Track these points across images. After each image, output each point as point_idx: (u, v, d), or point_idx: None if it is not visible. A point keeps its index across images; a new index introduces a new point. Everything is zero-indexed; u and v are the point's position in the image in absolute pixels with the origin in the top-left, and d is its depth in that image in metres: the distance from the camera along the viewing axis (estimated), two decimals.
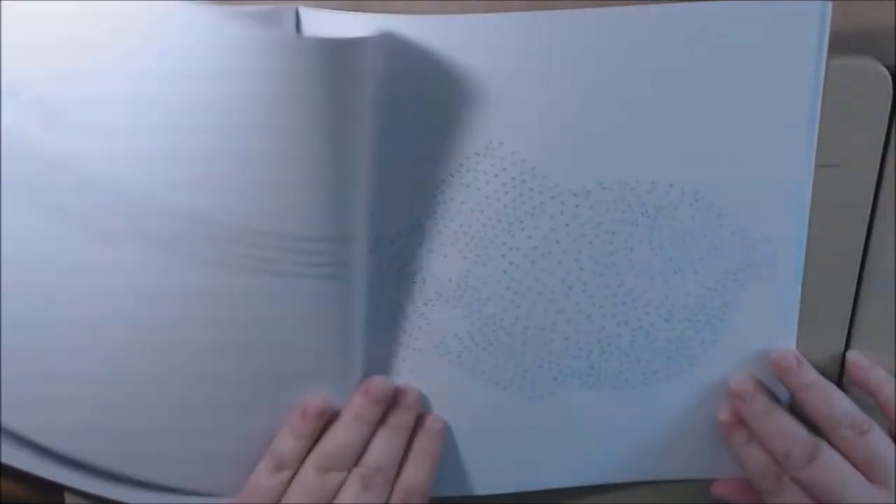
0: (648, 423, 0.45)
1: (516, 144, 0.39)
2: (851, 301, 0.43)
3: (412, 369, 0.43)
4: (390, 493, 0.42)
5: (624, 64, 0.38)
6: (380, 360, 0.43)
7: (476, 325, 0.42)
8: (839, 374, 0.44)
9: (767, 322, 0.42)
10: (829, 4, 0.37)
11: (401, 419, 0.42)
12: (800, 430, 0.42)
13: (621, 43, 0.38)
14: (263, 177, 0.37)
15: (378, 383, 0.41)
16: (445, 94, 0.39)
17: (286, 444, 0.41)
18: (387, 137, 0.39)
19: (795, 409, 0.43)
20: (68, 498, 0.47)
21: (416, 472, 0.42)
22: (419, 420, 0.43)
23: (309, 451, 0.41)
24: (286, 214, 0.37)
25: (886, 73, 0.39)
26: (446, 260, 0.41)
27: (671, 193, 0.40)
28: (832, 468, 0.41)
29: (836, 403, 0.41)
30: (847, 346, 0.44)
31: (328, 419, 0.42)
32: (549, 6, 0.38)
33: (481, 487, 0.46)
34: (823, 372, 0.43)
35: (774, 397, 0.43)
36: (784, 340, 0.43)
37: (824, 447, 0.41)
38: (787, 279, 0.42)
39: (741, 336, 0.43)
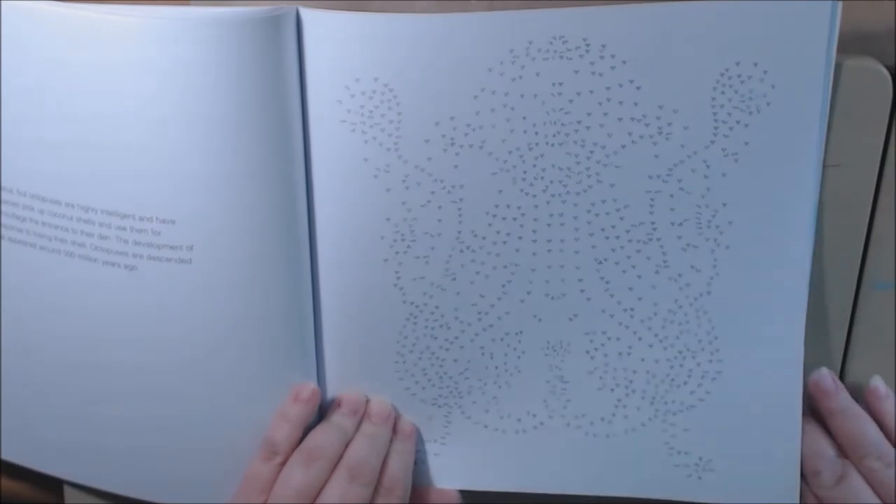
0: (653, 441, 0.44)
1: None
2: (851, 301, 0.43)
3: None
4: (375, 490, 0.43)
5: (633, 59, 0.38)
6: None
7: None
8: (839, 376, 0.44)
9: (771, 339, 0.42)
10: (840, 4, 0.37)
11: (378, 430, 0.44)
12: (830, 451, 0.42)
13: (634, 41, 0.38)
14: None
15: (350, 397, 0.44)
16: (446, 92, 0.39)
17: (280, 430, 0.43)
18: None
19: None
20: (68, 496, 0.47)
21: (395, 470, 0.44)
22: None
23: (302, 439, 0.43)
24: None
25: (886, 73, 0.39)
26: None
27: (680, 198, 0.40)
28: (857, 494, 0.41)
29: (866, 433, 0.42)
30: (847, 347, 0.44)
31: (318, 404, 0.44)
32: (549, 6, 0.38)
33: (484, 483, 0.46)
34: None
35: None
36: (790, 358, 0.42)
37: (852, 472, 0.41)
38: (794, 290, 0.42)
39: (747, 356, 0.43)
